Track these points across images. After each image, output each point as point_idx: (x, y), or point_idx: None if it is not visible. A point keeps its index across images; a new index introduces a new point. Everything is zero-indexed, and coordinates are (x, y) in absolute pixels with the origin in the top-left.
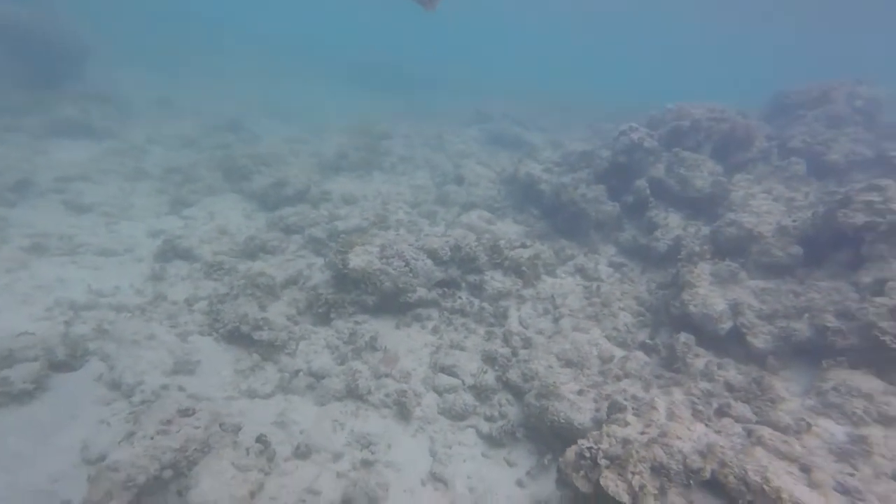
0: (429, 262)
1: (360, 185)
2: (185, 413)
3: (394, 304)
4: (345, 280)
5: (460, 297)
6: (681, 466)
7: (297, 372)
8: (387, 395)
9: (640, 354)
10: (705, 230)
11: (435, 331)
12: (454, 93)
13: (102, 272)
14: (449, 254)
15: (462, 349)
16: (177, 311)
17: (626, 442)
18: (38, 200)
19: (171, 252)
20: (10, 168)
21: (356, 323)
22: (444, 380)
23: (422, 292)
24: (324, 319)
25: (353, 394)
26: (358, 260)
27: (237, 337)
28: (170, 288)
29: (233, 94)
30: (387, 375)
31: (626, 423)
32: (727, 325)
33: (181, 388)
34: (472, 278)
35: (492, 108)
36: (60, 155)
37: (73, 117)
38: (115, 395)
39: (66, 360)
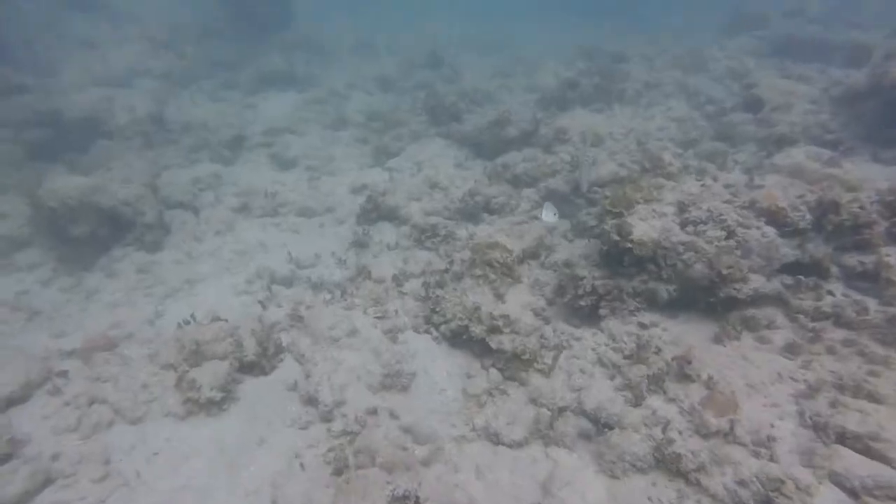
0: (769, 230)
1: (602, 121)
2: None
3: (706, 298)
4: (620, 257)
5: (830, 293)
6: None
7: (560, 410)
8: (739, 484)
9: None
10: None
11: (791, 349)
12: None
13: (302, 236)
14: (807, 217)
15: (872, 397)
16: (383, 294)
17: None
18: (249, 155)
19: (375, 212)
20: (226, 125)
21: (642, 327)
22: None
23: (758, 282)
24: (589, 317)
25: (668, 467)
26: (645, 227)
27: (465, 341)
28: (374, 260)
29: (431, 32)
30: (725, 435)
31: None
32: None
33: (393, 415)
34: (852, 260)
35: (758, 6)
36: (268, 107)
37: (279, 68)
38: (311, 415)
39: (257, 359)
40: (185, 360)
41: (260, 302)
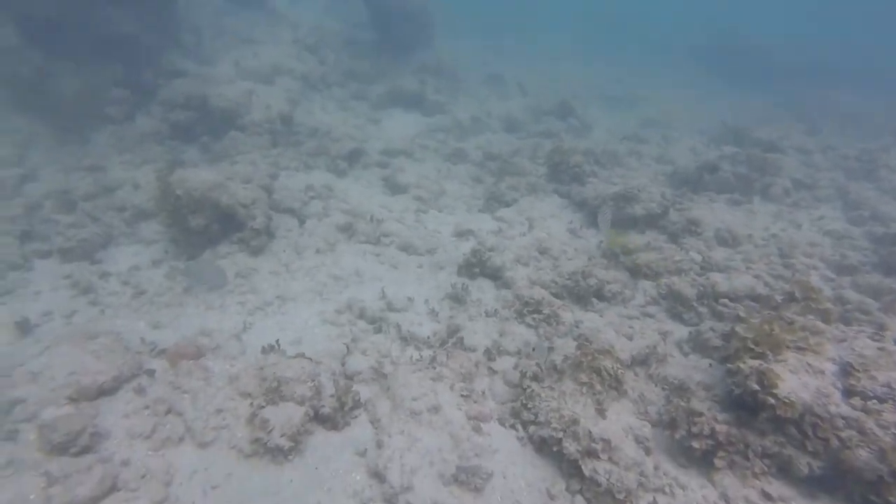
0: None
1: (741, 218)
2: None
3: (866, 494)
4: (753, 408)
5: None
6: None
7: None
8: None
9: None
10: None
11: None
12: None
13: (400, 273)
14: None
15: None
16: (473, 370)
17: None
18: (363, 172)
19: (478, 267)
20: (347, 136)
21: (766, 498)
22: None
23: None
24: (700, 462)
25: None
26: (795, 383)
27: (553, 453)
28: (469, 323)
29: (565, 76)
30: None
31: None
32: None
33: None
34: None
35: None
36: (391, 125)
37: (410, 88)
38: (375, 492)
39: (332, 413)
40: (262, 395)
41: (345, 344)
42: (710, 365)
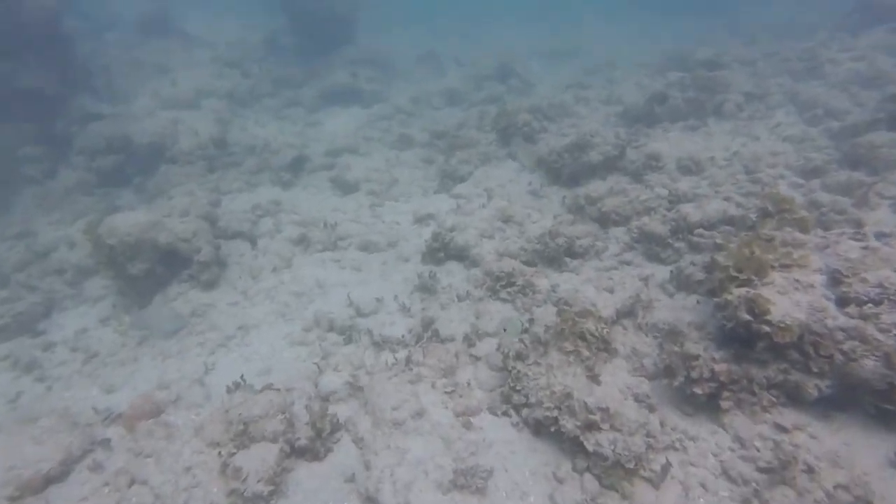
0: None
1: (699, 142)
2: None
3: (878, 403)
4: (750, 340)
5: None
6: None
7: None
8: None
9: None
10: None
11: None
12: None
13: (364, 274)
14: None
15: None
16: (453, 362)
17: None
18: (310, 179)
19: (443, 251)
20: (287, 145)
21: (780, 429)
22: None
23: None
24: (706, 407)
25: None
26: (787, 304)
27: (552, 434)
28: (442, 312)
29: (494, 40)
30: None
31: None
32: None
33: None
34: None
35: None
36: (331, 124)
37: (343, 83)
38: None
39: (310, 443)
40: (231, 441)
41: (316, 364)
42: (698, 302)
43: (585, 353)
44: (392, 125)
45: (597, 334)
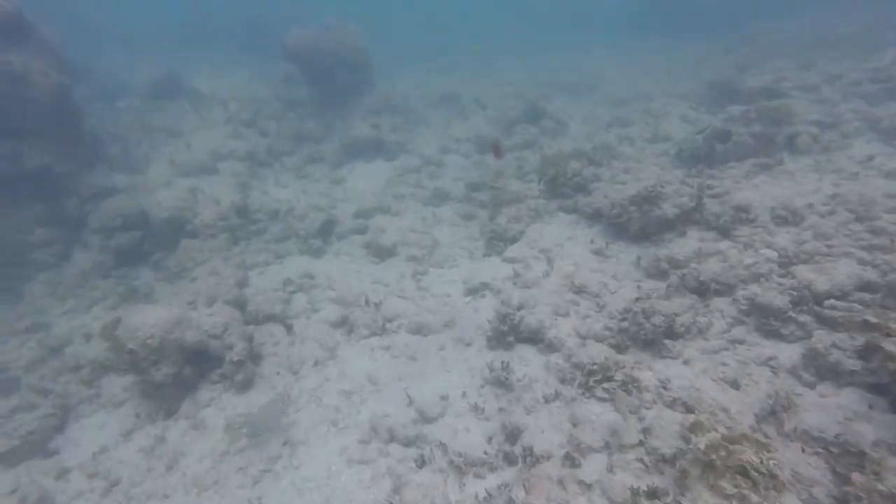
0: None
1: (787, 185)
2: None
3: None
4: None
5: None
6: None
7: None
8: None
9: None
10: None
11: None
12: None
13: (420, 364)
14: None
15: None
16: (562, 496)
17: None
18: (341, 244)
19: (511, 332)
20: (313, 207)
21: None
22: None
23: None
24: None
25: None
26: None
27: None
28: (529, 418)
29: (506, 74)
30: None
31: None
32: None
33: None
34: None
35: None
36: (357, 181)
37: (364, 135)
38: None
39: None
40: None
41: (389, 502)
42: (871, 407)
43: (753, 497)
44: (422, 178)
45: (763, 469)
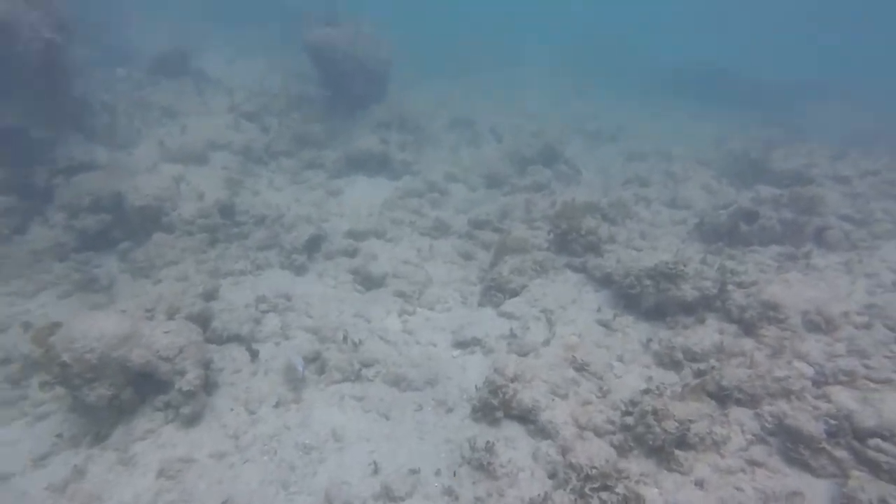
0: None
1: (822, 287)
2: None
3: None
4: None
5: None
6: None
7: None
8: None
9: None
10: None
11: None
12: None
13: (393, 425)
14: None
15: None
16: None
17: None
18: (327, 265)
19: (501, 408)
20: (303, 218)
21: None
22: None
23: None
24: None
25: None
26: None
27: None
28: None
29: (531, 111)
30: None
31: None
32: None
33: None
34: None
35: None
36: (354, 195)
37: (371, 149)
38: None
39: None
40: None
41: None
42: None
43: None
44: (423, 205)
45: None
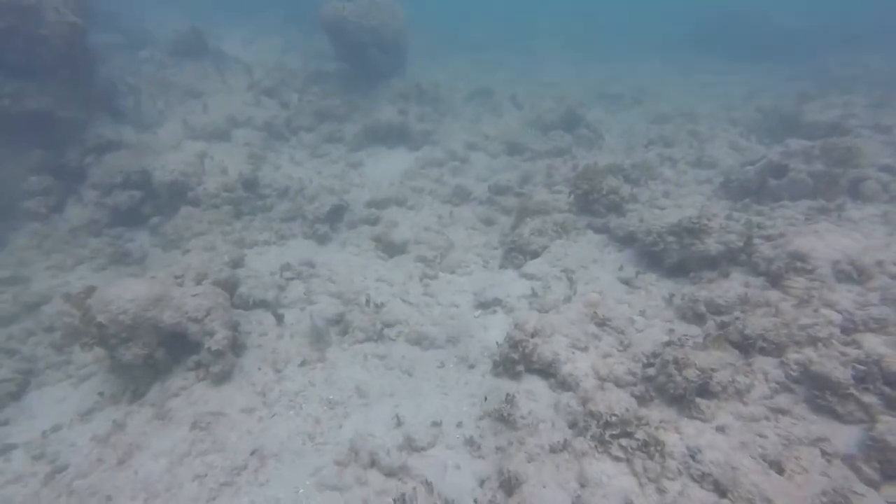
0: None
1: (856, 237)
2: None
3: None
4: None
5: None
6: None
7: None
8: None
9: None
10: None
11: None
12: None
13: (416, 381)
14: None
15: None
16: None
17: None
18: (349, 234)
19: (522, 362)
20: (325, 189)
21: None
22: None
23: None
24: None
25: None
26: None
27: None
28: (529, 467)
29: (556, 77)
30: None
31: None
32: None
33: None
34: None
35: None
36: (375, 167)
37: (390, 120)
38: None
39: None
40: None
41: None
42: None
43: None
44: (444, 174)
45: None
